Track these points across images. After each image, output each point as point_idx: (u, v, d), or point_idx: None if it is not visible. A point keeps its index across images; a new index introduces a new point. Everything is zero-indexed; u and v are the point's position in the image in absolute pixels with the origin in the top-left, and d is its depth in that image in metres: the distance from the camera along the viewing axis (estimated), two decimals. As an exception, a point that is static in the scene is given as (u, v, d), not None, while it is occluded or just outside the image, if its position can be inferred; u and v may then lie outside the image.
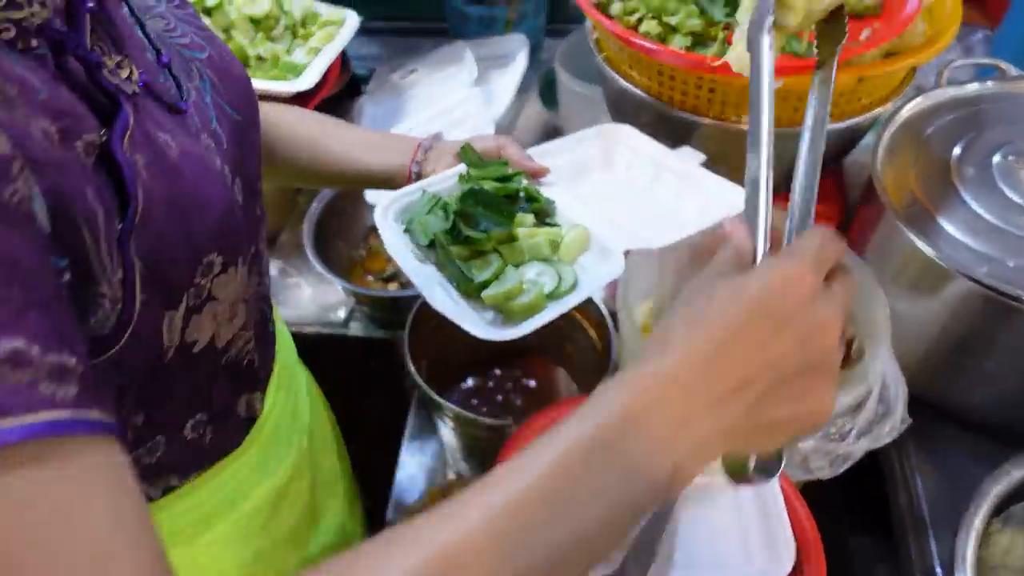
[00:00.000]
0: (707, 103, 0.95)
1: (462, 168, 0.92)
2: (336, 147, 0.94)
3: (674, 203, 0.93)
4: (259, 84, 1.19)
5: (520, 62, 1.40)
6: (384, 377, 1.35)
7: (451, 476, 1.17)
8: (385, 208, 0.91)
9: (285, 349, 0.87)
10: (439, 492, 1.07)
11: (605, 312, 1.12)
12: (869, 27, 0.91)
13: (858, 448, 0.85)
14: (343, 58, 1.50)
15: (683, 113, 0.97)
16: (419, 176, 0.95)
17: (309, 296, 1.28)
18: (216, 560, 0.74)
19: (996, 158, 0.98)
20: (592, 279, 0.86)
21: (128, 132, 0.51)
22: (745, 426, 0.44)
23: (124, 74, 0.54)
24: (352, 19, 1.34)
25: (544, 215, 0.94)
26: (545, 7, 1.58)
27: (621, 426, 0.42)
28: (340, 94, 1.49)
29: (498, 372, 1.25)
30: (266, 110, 0.92)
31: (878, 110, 1.02)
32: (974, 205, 0.94)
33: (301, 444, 0.87)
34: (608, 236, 0.88)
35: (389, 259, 1.36)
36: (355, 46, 1.65)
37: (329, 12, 1.34)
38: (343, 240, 1.36)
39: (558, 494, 0.41)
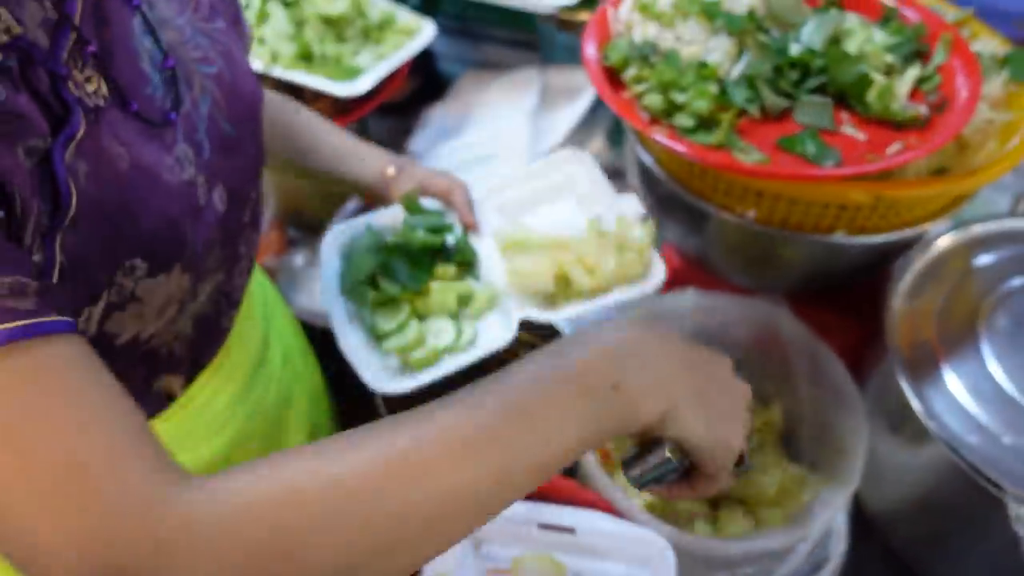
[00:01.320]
0: (712, 191, 0.88)
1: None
2: (324, 151, 1.00)
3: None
4: (312, 80, 1.22)
5: (586, 98, 1.36)
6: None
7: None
8: (333, 238, 0.99)
9: (253, 340, 0.89)
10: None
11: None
12: (904, 140, 0.80)
13: (773, 598, 0.77)
14: (428, 61, 1.51)
15: (690, 195, 0.91)
16: (380, 196, 1.02)
17: (326, 291, 1.31)
18: None
19: (1039, 314, 0.85)
20: (489, 341, 0.91)
21: (75, 141, 0.54)
22: (691, 396, 0.55)
23: (91, 88, 0.57)
24: (428, 29, 1.34)
25: (467, 267, 0.99)
26: (638, 43, 1.52)
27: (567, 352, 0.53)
28: (415, 95, 1.50)
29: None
30: (270, 98, 0.97)
31: (923, 227, 0.91)
32: (990, 363, 0.82)
33: (246, 430, 0.89)
34: (511, 305, 0.93)
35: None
36: (454, 47, 1.66)
37: (406, 19, 1.35)
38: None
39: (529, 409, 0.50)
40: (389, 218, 1.01)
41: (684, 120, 0.82)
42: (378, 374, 0.88)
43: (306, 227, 1.45)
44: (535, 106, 1.33)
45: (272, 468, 0.46)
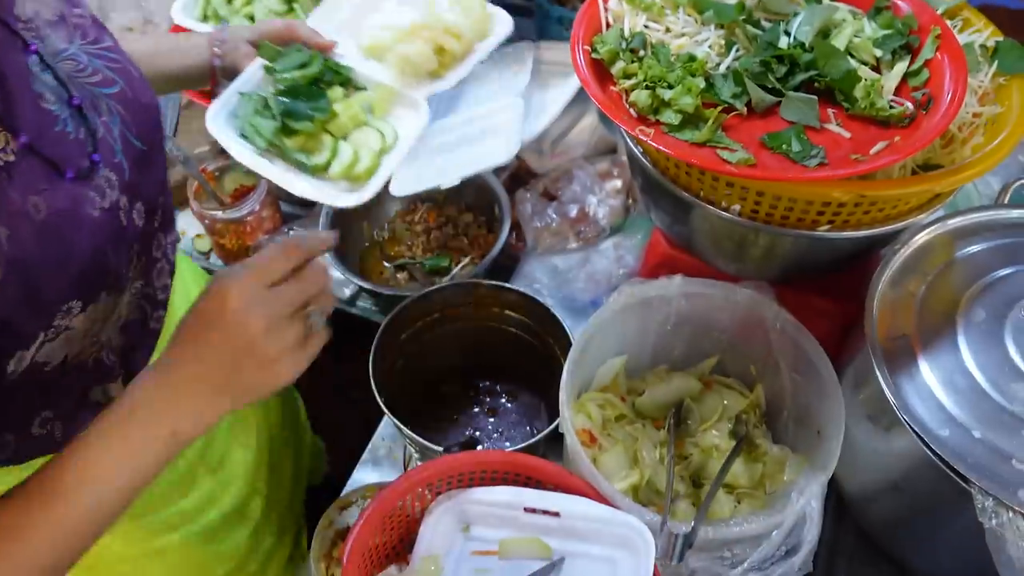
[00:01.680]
0: (698, 185, 0.89)
1: (260, 61, 1.05)
2: (145, 58, 0.97)
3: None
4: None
5: (579, 76, 1.35)
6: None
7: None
8: (214, 120, 1.03)
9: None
10: (374, 490, 1.10)
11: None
12: (889, 139, 0.81)
13: (747, 582, 0.81)
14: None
15: (677, 188, 0.92)
16: (223, 69, 1.05)
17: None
18: None
19: (1018, 308, 0.87)
20: (408, 130, 1.05)
21: None
22: (214, 398, 0.63)
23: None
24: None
25: (349, 83, 1.09)
26: (633, 17, 1.50)
27: (126, 423, 0.61)
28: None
29: (479, 384, 1.27)
30: None
31: (908, 221, 0.92)
32: (966, 356, 0.84)
33: None
34: (410, 89, 1.07)
35: (409, 246, 1.38)
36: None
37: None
38: (367, 220, 1.39)
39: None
40: (252, 80, 1.06)
41: (670, 117, 0.83)
42: (341, 196, 1.00)
43: (300, 203, 1.46)
44: (528, 83, 1.32)
45: None
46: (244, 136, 1.03)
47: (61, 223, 0.60)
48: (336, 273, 1.33)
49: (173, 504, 0.95)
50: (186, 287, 1.03)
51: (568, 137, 1.40)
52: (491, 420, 1.25)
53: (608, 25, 0.93)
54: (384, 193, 1.36)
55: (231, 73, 1.06)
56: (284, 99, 1.01)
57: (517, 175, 1.40)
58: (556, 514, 0.84)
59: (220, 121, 1.03)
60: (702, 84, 0.84)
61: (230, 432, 1.05)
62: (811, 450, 0.96)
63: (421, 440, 1.01)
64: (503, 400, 1.27)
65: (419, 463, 1.19)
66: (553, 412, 1.24)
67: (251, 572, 1.09)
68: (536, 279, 1.31)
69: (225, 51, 1.05)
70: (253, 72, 1.06)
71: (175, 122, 1.52)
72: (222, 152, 1.48)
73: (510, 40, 1.54)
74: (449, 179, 1.23)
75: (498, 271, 1.30)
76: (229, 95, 1.04)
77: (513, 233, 1.31)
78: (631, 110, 0.86)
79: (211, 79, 1.07)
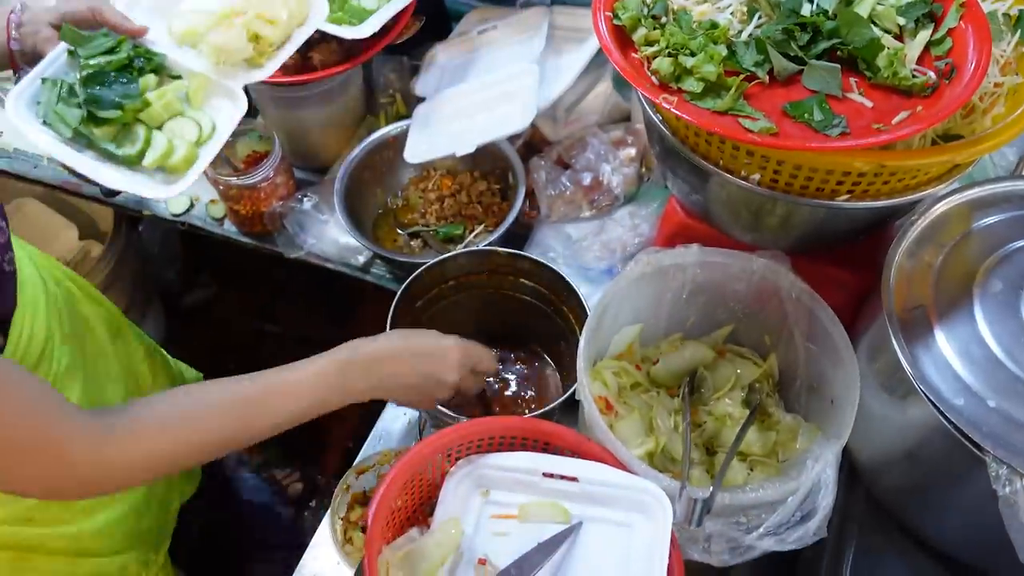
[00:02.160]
0: (717, 153, 0.89)
1: (63, 45, 1.01)
2: None
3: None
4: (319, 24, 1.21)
5: (593, 42, 1.34)
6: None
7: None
8: (14, 107, 0.99)
9: (28, 277, 0.96)
10: (391, 456, 1.12)
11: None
12: (911, 109, 0.81)
13: (762, 545, 0.82)
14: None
15: (696, 157, 0.92)
16: (23, 54, 1.02)
17: (334, 236, 1.33)
18: None
19: (1035, 279, 0.87)
20: (225, 120, 1.06)
21: None
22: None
23: None
24: (434, -32, 1.32)
25: (163, 71, 1.08)
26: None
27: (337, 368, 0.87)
28: (421, 31, 1.47)
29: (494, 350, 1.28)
30: None
31: (926, 191, 0.92)
32: (982, 326, 0.85)
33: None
34: (226, 78, 1.07)
35: (423, 213, 1.38)
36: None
37: (411, -43, 1.33)
38: (381, 187, 1.39)
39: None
40: (55, 65, 1.02)
41: (692, 85, 0.82)
42: (155, 188, 1.01)
43: (313, 170, 1.46)
44: (543, 49, 1.31)
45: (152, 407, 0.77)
46: (47, 123, 1.00)
47: None
48: (350, 239, 1.34)
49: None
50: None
51: (582, 104, 1.40)
52: (505, 386, 1.27)
53: (629, -9, 0.92)
54: (398, 160, 1.37)
55: (32, 58, 1.02)
56: (90, 87, 0.99)
57: (530, 142, 1.40)
58: (574, 479, 0.86)
59: (21, 107, 1.00)
60: (724, 52, 0.84)
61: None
62: (824, 419, 0.97)
63: (444, 411, 1.02)
64: (517, 366, 1.28)
65: (433, 429, 1.21)
66: (567, 379, 1.26)
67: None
68: (550, 247, 1.31)
69: (24, 34, 1.01)
70: (56, 56, 1.02)
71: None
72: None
73: (523, 4, 1.54)
74: (464, 146, 1.23)
75: (511, 239, 1.30)
76: (30, 80, 1.01)
77: (527, 201, 1.31)
78: (652, 78, 0.85)
79: (11, 64, 1.04)
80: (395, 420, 1.23)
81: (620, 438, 0.93)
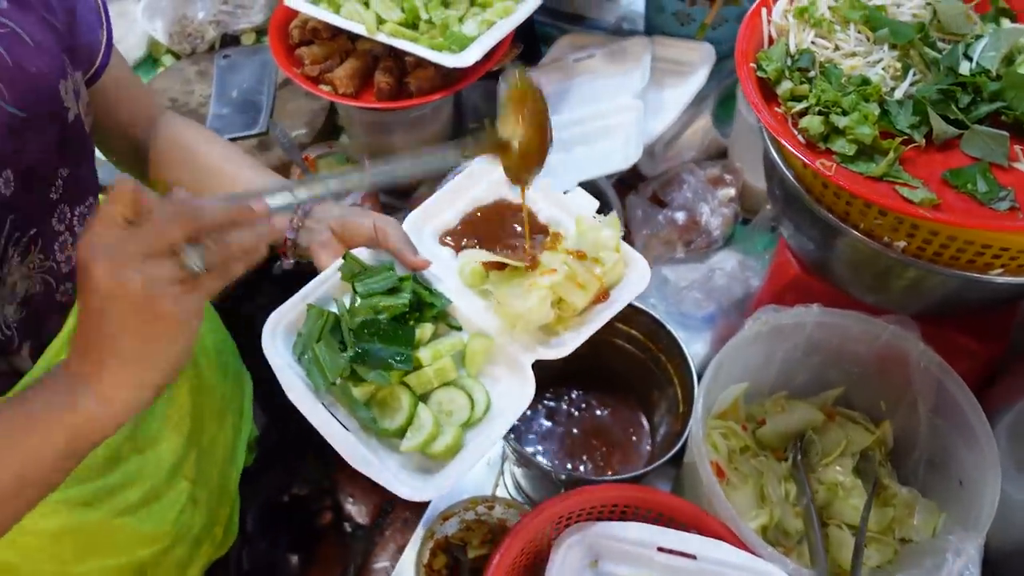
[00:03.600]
0: (858, 215, 0.84)
1: (338, 263, 0.87)
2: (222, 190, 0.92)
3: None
4: (419, 50, 1.17)
5: (699, 77, 1.29)
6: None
7: (506, 487, 1.18)
8: (272, 333, 0.83)
9: None
10: (479, 502, 1.08)
11: (695, 378, 1.06)
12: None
13: None
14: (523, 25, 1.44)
15: (829, 215, 0.86)
16: (295, 246, 0.92)
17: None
18: None
19: None
20: (507, 403, 0.81)
21: None
22: (118, 367, 0.57)
23: None
24: (535, -5, 1.27)
25: (442, 319, 0.87)
26: (752, 14, 1.43)
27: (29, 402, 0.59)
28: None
29: (575, 394, 1.23)
30: (187, 135, 0.97)
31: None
32: None
33: None
34: (517, 349, 0.83)
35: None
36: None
37: (513, -17, 1.29)
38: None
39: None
40: (323, 288, 0.87)
41: (844, 147, 0.77)
42: (406, 482, 0.75)
43: (399, 193, 1.42)
44: (646, 84, 1.27)
45: None
46: (300, 360, 0.82)
47: None
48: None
49: (92, 481, 0.91)
50: None
51: (680, 139, 1.35)
52: (587, 430, 1.22)
53: (771, 40, 0.87)
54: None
55: (302, 254, 0.93)
56: (362, 339, 0.79)
57: (624, 177, 1.35)
58: (692, 556, 0.81)
59: (279, 335, 0.83)
60: (877, 111, 0.78)
61: (162, 414, 1.00)
62: (949, 500, 0.92)
63: (540, 462, 0.97)
64: (599, 411, 1.23)
65: (517, 468, 1.17)
66: (656, 429, 1.21)
67: (178, 556, 1.05)
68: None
69: (305, 227, 0.92)
70: (326, 278, 0.87)
71: (271, 105, 1.49)
72: (319, 135, 1.46)
73: (621, 33, 1.49)
74: (563, 183, 1.18)
75: (602, 278, 1.25)
76: (295, 303, 0.85)
77: (621, 239, 1.26)
78: (798, 135, 0.80)
79: (280, 249, 0.94)
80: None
81: (735, 509, 0.88)
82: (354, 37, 1.27)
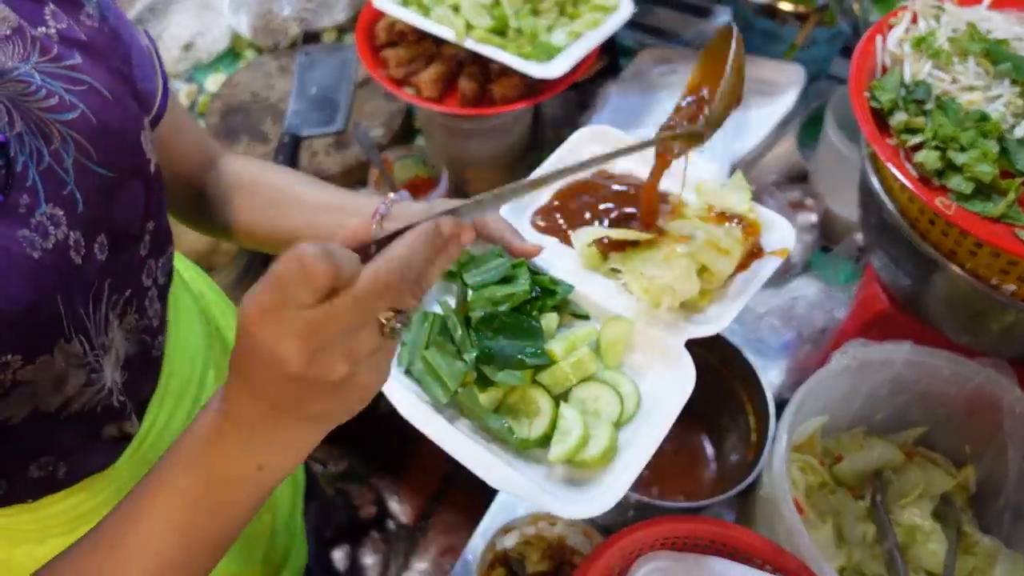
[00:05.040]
0: (966, 254, 0.80)
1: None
2: (296, 215, 0.86)
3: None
4: (507, 58, 1.17)
5: (788, 99, 1.27)
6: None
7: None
8: None
9: (190, 351, 0.85)
10: (542, 517, 1.07)
11: (770, 407, 1.03)
12: None
13: None
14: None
15: (933, 251, 0.83)
16: (378, 242, 0.85)
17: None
18: None
19: None
20: (663, 393, 0.70)
21: None
22: (296, 427, 0.52)
23: None
24: (625, 8, 1.25)
25: (565, 308, 0.77)
26: (844, 38, 1.40)
27: (206, 465, 0.53)
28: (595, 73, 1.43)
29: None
30: (251, 169, 0.90)
31: None
32: None
33: None
34: (663, 330, 0.72)
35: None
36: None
37: (603, -6, 1.28)
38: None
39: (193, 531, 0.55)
40: None
41: (960, 184, 0.74)
42: (562, 498, 0.64)
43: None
44: (732, 102, 1.24)
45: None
46: (409, 372, 0.72)
47: None
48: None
49: None
50: (183, 298, 0.92)
51: (763, 161, 1.32)
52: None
53: (884, 68, 0.84)
54: (563, 201, 1.31)
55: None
56: (482, 334, 0.70)
57: (701, 196, 1.32)
58: (772, 597, 0.79)
59: None
60: (996, 148, 0.75)
61: None
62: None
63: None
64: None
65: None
66: (723, 456, 1.18)
67: None
68: (715, 311, 1.23)
69: (387, 224, 0.83)
70: None
71: (350, 103, 1.49)
72: (396, 137, 1.46)
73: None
74: (646, 200, 1.16)
75: (675, 297, 1.23)
76: None
77: (696, 259, 1.23)
78: (911, 169, 0.77)
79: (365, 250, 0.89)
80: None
81: (822, 546, 0.85)
82: (440, 41, 1.27)
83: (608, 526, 1.07)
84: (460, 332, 0.71)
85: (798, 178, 1.36)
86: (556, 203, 0.88)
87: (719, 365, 1.12)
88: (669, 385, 0.71)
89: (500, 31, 1.20)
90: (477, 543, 1.14)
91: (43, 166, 0.61)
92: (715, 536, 0.83)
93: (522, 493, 0.63)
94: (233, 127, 1.49)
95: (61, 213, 0.61)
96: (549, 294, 0.76)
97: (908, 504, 0.98)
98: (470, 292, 0.74)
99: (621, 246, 0.78)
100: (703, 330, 0.74)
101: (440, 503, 2.05)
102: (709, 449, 1.19)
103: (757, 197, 1.29)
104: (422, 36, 1.28)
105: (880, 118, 0.81)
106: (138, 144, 0.70)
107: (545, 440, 0.68)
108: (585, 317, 0.77)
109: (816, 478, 0.97)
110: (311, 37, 1.64)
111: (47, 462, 0.67)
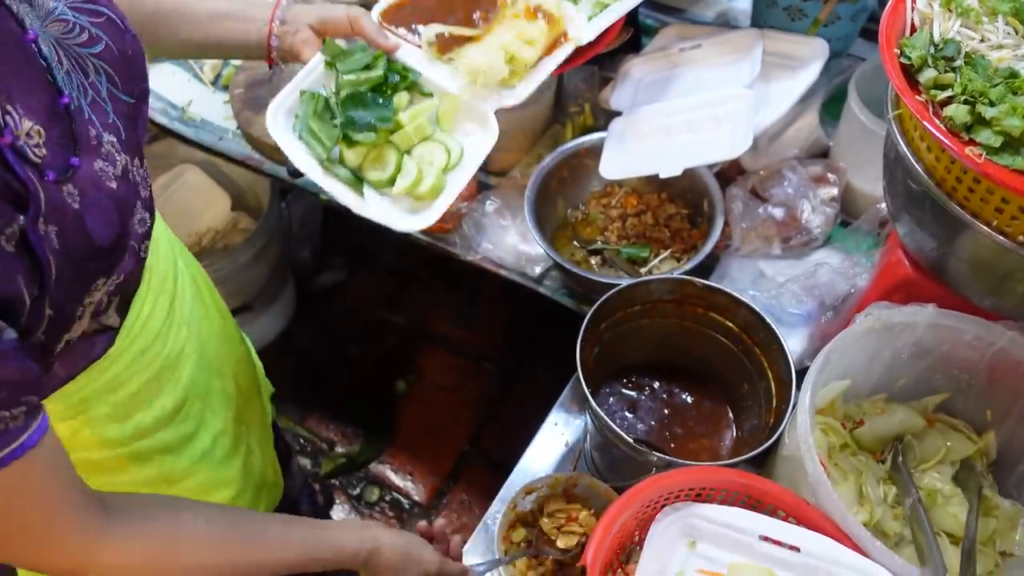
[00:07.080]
0: (991, 211, 0.81)
1: (320, 56, 1.00)
2: (191, 24, 0.96)
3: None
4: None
5: (811, 72, 1.27)
6: (558, 342, 1.36)
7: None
8: (274, 119, 0.99)
9: (162, 259, 0.90)
10: (563, 480, 1.07)
11: (792, 372, 1.04)
12: None
13: None
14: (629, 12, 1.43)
15: (960, 210, 0.84)
16: (280, 50, 1.00)
17: (513, 243, 1.30)
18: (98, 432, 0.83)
19: None
20: (475, 146, 1.00)
21: (41, 213, 0.56)
22: None
23: (34, 141, 0.58)
24: (650, -21, 1.27)
25: (415, 88, 1.04)
26: (868, 13, 1.40)
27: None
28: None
29: (657, 384, 1.21)
30: None
31: None
32: None
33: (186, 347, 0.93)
34: (479, 102, 1.01)
35: (603, 229, 1.34)
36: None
37: (629, -34, 1.28)
38: (564, 198, 1.35)
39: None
40: (311, 76, 1.01)
41: (988, 138, 0.75)
42: (404, 218, 0.97)
43: (496, 173, 1.43)
44: (756, 75, 1.25)
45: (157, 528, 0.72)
46: (301, 138, 0.99)
47: (93, 207, 0.61)
48: (528, 248, 1.30)
49: (170, 426, 0.95)
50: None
51: (784, 135, 1.32)
52: (669, 420, 1.21)
53: (913, 27, 0.85)
54: (583, 172, 1.33)
55: (287, 55, 1.02)
56: (348, 107, 0.98)
57: (723, 170, 1.33)
58: (796, 549, 0.79)
59: (280, 119, 1.00)
60: (1024, 104, 0.76)
61: (217, 370, 1.04)
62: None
63: (630, 441, 0.96)
64: (680, 401, 1.22)
65: (595, 452, 1.16)
66: (742, 423, 1.19)
67: (248, 500, 1.09)
68: (736, 281, 1.24)
69: (283, 32, 1.01)
70: (313, 67, 1.01)
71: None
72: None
73: (730, 24, 1.48)
74: (669, 168, 1.17)
75: (695, 268, 1.24)
76: (289, 92, 1.00)
77: (718, 231, 1.24)
78: (940, 124, 0.78)
79: (267, 59, 1.02)
80: (551, 440, 1.19)
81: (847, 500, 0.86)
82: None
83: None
84: (336, 107, 0.99)
85: (819, 154, 1.36)
86: (408, 4, 1.10)
87: (743, 333, 1.13)
88: (479, 142, 1.01)
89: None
90: (497, 508, 1.15)
91: (88, 99, 0.65)
92: (738, 487, 0.84)
93: (378, 216, 0.97)
94: (258, 99, 1.50)
95: (115, 140, 0.66)
96: (403, 79, 1.03)
97: (928, 468, 0.99)
98: (341, 78, 1.00)
99: (460, 41, 1.04)
100: (508, 100, 1.02)
101: (455, 482, 2.07)
102: (729, 415, 1.20)
103: (780, 171, 1.31)
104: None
105: (909, 76, 0.82)
106: (144, 68, 0.76)
107: (392, 181, 0.98)
108: (429, 95, 1.04)
109: (838, 439, 0.98)
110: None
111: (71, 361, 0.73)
